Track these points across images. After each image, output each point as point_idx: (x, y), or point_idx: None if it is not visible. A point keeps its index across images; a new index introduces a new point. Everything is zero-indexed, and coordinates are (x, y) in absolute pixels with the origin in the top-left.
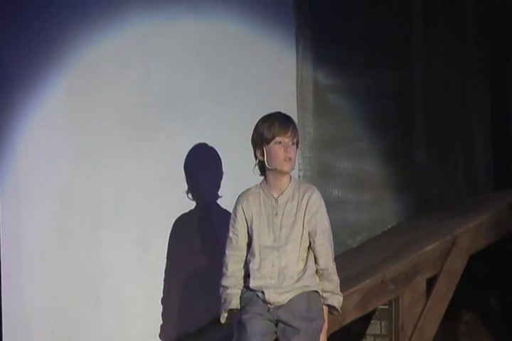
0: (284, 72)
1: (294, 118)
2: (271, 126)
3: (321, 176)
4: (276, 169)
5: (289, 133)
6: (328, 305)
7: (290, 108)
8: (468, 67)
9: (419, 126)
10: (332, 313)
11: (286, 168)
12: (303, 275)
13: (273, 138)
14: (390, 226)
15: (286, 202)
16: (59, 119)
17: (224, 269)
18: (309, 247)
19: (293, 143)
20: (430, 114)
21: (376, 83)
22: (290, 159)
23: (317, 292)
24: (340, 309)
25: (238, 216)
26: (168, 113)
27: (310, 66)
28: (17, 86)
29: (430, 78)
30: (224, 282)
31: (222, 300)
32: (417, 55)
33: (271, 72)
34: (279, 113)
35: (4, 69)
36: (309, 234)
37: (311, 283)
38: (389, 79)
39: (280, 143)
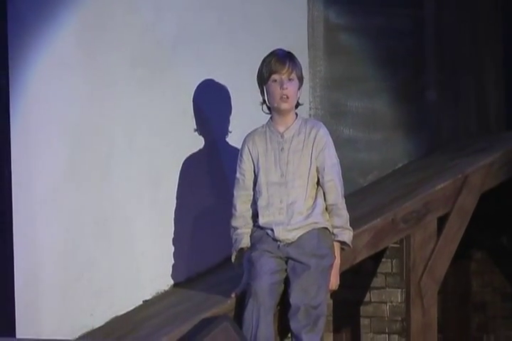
0: (295, 10)
1: (305, 57)
2: (268, 64)
3: (331, 115)
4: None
5: (285, 69)
6: (339, 241)
7: (301, 47)
8: (481, 6)
9: (431, 65)
10: (343, 249)
11: (283, 106)
12: (312, 212)
13: (270, 76)
14: (401, 165)
15: (292, 137)
16: (70, 59)
17: (233, 210)
18: (318, 184)
19: (290, 79)
20: (442, 54)
21: (388, 22)
22: (287, 97)
23: (327, 229)
24: (352, 245)
25: (244, 156)
26: (178, 52)
27: (321, 5)
28: (28, 25)
29: (442, 17)
30: (233, 223)
31: (233, 241)
32: None
33: (282, 10)
34: (279, 50)
35: (16, 9)
36: (317, 170)
37: (320, 219)
38: (401, 19)
39: (276, 80)
